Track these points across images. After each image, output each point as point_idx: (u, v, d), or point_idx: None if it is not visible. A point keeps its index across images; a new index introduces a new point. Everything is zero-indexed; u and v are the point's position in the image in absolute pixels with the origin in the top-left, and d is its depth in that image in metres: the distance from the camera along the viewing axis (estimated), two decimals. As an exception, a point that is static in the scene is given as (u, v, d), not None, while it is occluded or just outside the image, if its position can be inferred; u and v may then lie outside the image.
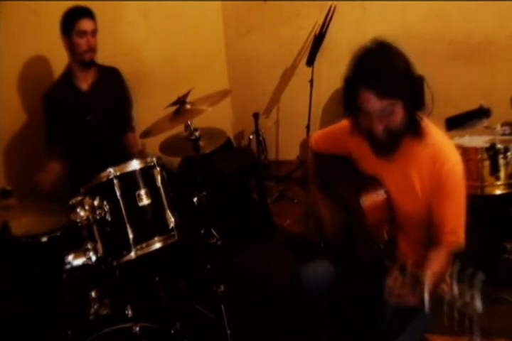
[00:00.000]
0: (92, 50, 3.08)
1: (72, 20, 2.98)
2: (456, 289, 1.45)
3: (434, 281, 1.54)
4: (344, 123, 2.20)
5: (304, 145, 2.54)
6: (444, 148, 1.95)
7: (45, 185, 2.98)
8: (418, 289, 1.58)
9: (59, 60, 3.19)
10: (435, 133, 1.98)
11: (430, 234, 1.98)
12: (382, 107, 1.80)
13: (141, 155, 3.15)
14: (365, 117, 1.88)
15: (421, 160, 1.95)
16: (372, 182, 2.05)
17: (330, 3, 4.46)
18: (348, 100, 1.94)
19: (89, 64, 3.14)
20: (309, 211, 2.59)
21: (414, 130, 1.92)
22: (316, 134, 2.49)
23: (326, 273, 2.19)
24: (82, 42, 3.02)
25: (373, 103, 1.79)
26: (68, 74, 3.16)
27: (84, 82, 3.19)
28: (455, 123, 3.02)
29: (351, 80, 1.90)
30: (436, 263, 1.78)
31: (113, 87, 3.35)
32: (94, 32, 3.05)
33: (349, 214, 2.15)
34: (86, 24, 3.00)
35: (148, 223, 2.37)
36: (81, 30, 2.99)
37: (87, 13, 3.01)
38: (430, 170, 1.93)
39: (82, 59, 3.09)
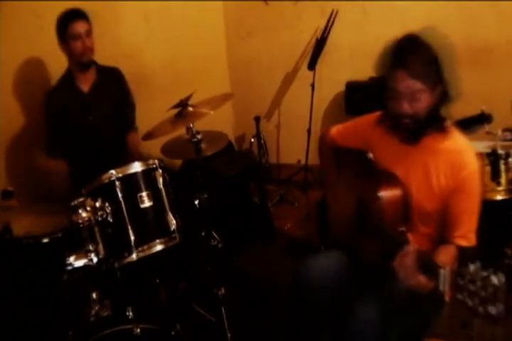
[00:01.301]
0: (89, 50, 3.08)
1: (64, 25, 2.99)
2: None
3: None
4: (367, 116, 2.27)
5: (323, 137, 2.52)
6: (465, 152, 1.98)
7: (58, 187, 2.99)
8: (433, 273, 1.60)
9: (59, 62, 3.19)
10: (458, 136, 2.03)
11: (441, 232, 2.02)
12: (412, 87, 1.86)
13: (141, 157, 3.14)
14: (394, 101, 1.93)
15: (442, 158, 1.98)
16: (390, 178, 2.05)
17: (331, 6, 4.47)
18: (381, 84, 1.98)
19: (88, 64, 3.16)
20: (312, 211, 2.57)
21: (438, 125, 1.98)
22: (335, 127, 2.49)
23: (330, 265, 2.20)
24: (77, 45, 3.02)
25: (406, 82, 1.86)
26: (69, 76, 3.17)
27: (85, 83, 3.20)
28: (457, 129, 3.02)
29: (387, 62, 1.95)
30: (445, 256, 1.82)
31: (114, 87, 3.35)
32: (88, 32, 3.04)
33: (362, 207, 2.15)
34: (78, 26, 3.00)
35: (150, 225, 2.38)
36: (75, 34, 2.99)
37: (78, 15, 3.01)
38: (449, 171, 1.96)
39: (80, 61, 3.11)
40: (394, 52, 1.92)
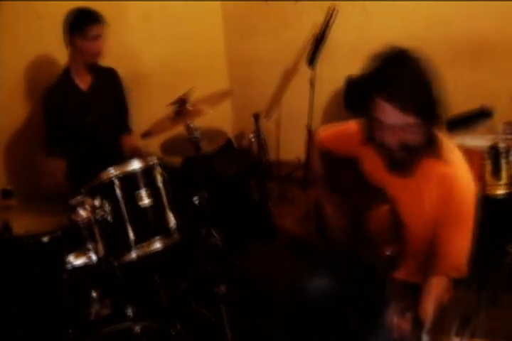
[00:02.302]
0: (101, 53, 3.11)
1: (83, 25, 2.97)
2: None
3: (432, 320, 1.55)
4: (352, 127, 2.02)
5: (311, 142, 2.46)
6: (459, 179, 1.82)
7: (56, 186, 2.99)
8: (418, 330, 1.58)
9: (60, 62, 3.19)
10: (450, 151, 1.86)
11: (432, 258, 1.90)
12: (404, 122, 1.68)
13: (138, 155, 3.13)
14: (379, 129, 1.76)
15: (434, 180, 1.84)
16: (382, 194, 1.96)
17: (331, 4, 4.46)
18: (359, 107, 1.81)
19: (93, 66, 3.16)
20: (312, 209, 2.55)
21: (431, 147, 1.80)
22: (323, 132, 2.35)
23: (326, 284, 2.17)
24: (93, 46, 3.04)
25: (394, 117, 1.67)
26: (67, 74, 3.15)
27: (84, 82, 3.19)
28: (457, 124, 3.02)
29: (368, 88, 1.74)
30: (434, 293, 1.80)
31: (111, 87, 3.36)
32: (103, 36, 3.06)
33: (355, 220, 2.11)
34: (98, 29, 3.01)
35: (149, 223, 2.37)
36: (94, 36, 3.00)
37: (97, 17, 3.01)
38: (441, 193, 1.83)
39: (89, 61, 3.12)
40: (376, 79, 1.72)
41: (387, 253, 1.94)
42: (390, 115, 1.68)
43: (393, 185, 1.93)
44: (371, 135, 1.84)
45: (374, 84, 1.71)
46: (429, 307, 1.73)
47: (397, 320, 1.70)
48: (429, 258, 1.91)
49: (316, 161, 2.40)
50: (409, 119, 1.66)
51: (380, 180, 1.97)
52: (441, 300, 1.78)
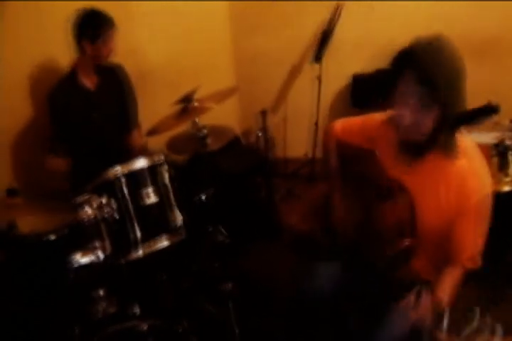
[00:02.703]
0: (111, 55, 3.14)
1: (93, 31, 2.98)
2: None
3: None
4: (375, 116, 2.15)
5: (327, 131, 2.43)
6: (477, 176, 1.85)
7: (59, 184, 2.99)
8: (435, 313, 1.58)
9: (63, 62, 3.20)
10: (467, 146, 1.89)
11: (447, 250, 1.92)
12: (417, 92, 1.73)
13: (145, 153, 3.13)
14: (397, 104, 1.81)
15: (453, 180, 1.85)
16: (397, 188, 1.96)
17: (337, 1, 4.45)
18: (390, 83, 1.84)
19: (100, 65, 3.18)
20: (319, 204, 2.54)
21: (446, 145, 1.83)
22: (340, 122, 2.37)
23: (327, 284, 2.17)
24: (104, 51, 3.07)
25: (412, 86, 1.73)
26: (73, 73, 3.15)
27: (89, 81, 3.19)
28: (463, 120, 3.00)
29: (401, 61, 1.81)
30: (450, 283, 1.81)
31: (117, 85, 3.35)
32: (113, 39, 3.08)
33: (366, 215, 2.10)
34: (109, 34, 3.03)
35: (156, 221, 2.37)
36: (110, 39, 3.04)
37: (108, 21, 3.02)
38: (458, 192, 1.84)
39: (99, 62, 3.14)
40: (409, 52, 1.79)
41: (406, 243, 1.93)
42: (409, 83, 1.73)
43: (411, 175, 1.94)
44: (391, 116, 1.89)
45: (407, 57, 1.78)
46: (444, 294, 1.75)
47: (414, 305, 1.70)
48: (442, 253, 1.93)
49: (332, 153, 2.39)
50: (425, 95, 1.71)
51: (397, 169, 1.99)
52: (455, 291, 1.78)
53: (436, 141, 1.82)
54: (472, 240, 1.88)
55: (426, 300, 1.69)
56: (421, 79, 1.71)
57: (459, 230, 1.87)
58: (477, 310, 1.43)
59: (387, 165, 2.05)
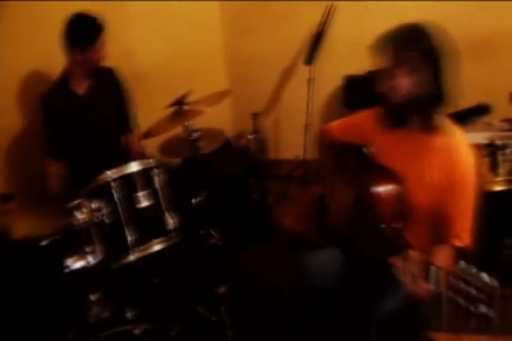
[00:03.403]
0: (102, 60, 3.10)
1: (90, 38, 2.95)
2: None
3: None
4: (365, 112, 2.27)
5: (322, 133, 2.51)
6: (460, 150, 1.95)
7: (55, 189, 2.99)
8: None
9: (60, 64, 3.17)
10: (455, 132, 2.00)
11: (437, 231, 1.98)
12: (409, 58, 1.89)
13: (141, 156, 3.13)
14: (381, 77, 1.98)
15: (437, 155, 1.96)
16: (388, 173, 2.03)
17: (330, 2, 4.45)
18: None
19: (92, 69, 3.14)
20: (313, 205, 2.56)
21: (426, 122, 1.98)
22: (334, 123, 2.49)
23: (326, 263, 2.21)
24: (98, 55, 3.03)
25: (392, 56, 1.94)
26: (65, 78, 3.13)
27: (81, 86, 3.15)
28: (454, 120, 3.01)
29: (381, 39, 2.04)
30: (442, 258, 1.80)
31: (110, 88, 3.31)
32: (104, 44, 3.04)
33: (361, 202, 2.12)
34: (99, 42, 2.98)
35: (148, 225, 2.36)
36: (101, 46, 3.00)
37: (99, 28, 2.96)
38: (443, 169, 1.94)
39: (91, 66, 3.10)
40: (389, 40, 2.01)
41: (398, 226, 1.95)
42: (390, 54, 1.95)
43: (399, 158, 2.04)
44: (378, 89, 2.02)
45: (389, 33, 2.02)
46: (441, 260, 1.75)
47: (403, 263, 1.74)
48: (434, 234, 2.00)
49: (329, 154, 2.46)
50: (417, 56, 1.89)
51: (388, 157, 2.08)
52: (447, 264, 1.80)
53: (419, 108, 1.95)
54: (459, 214, 1.93)
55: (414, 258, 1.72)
56: (412, 44, 1.90)
57: (446, 205, 1.94)
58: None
59: (380, 154, 2.14)
